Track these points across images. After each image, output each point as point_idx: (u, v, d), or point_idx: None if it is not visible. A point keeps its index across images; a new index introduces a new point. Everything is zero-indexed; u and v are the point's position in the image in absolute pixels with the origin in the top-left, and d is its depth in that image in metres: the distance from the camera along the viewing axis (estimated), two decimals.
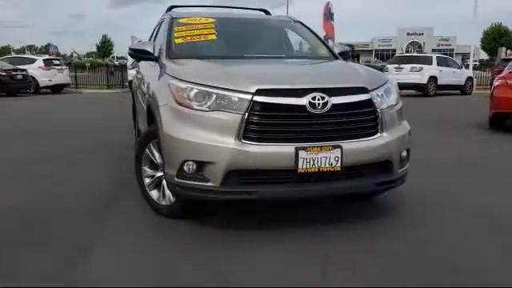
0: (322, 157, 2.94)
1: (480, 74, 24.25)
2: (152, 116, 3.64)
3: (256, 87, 2.93)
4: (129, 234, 3.27)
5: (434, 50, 48.27)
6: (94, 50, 77.18)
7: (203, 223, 3.40)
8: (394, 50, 58.88)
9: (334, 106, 2.98)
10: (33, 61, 19.65)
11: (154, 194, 3.64)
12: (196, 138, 2.97)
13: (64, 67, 20.68)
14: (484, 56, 62.20)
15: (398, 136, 3.25)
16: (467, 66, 22.80)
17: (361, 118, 3.09)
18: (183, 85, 3.13)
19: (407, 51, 52.04)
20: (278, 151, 2.92)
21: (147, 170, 3.67)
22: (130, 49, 4.09)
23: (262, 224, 3.37)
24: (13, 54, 32.46)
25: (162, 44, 4.09)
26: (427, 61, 18.18)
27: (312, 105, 2.94)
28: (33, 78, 18.25)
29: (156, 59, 4.02)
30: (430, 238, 3.15)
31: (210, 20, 4.37)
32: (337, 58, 4.32)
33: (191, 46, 4.11)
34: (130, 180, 4.55)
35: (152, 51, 4.00)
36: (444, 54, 28.32)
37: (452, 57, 28.76)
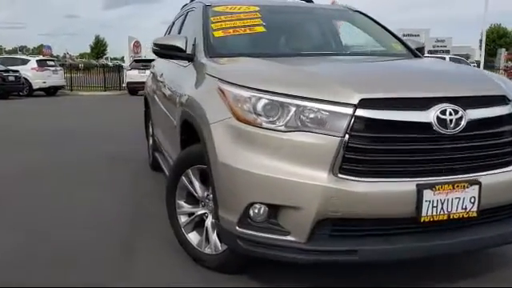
0: (455, 198, 2.02)
1: None
2: (190, 134, 2.72)
3: (359, 96, 2.00)
4: None
5: (430, 51, 47.65)
6: (88, 50, 75.92)
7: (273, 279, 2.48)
8: None
9: (470, 122, 2.06)
10: (25, 62, 18.67)
11: (193, 237, 2.72)
12: (269, 171, 2.04)
13: (59, 68, 19.70)
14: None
15: None
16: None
17: (501, 140, 2.17)
18: (245, 92, 2.19)
19: None
20: (391, 191, 1.99)
21: (183, 206, 2.75)
22: (156, 44, 3.15)
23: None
24: (4, 55, 31.29)
25: (197, 38, 3.16)
26: None
27: (441, 122, 2.02)
28: (26, 79, 17.27)
29: (189, 57, 3.09)
30: None
31: (254, 8, 3.44)
32: (417, 56, 3.41)
33: (236, 40, 3.19)
34: (147, 206, 3.64)
35: (184, 47, 3.08)
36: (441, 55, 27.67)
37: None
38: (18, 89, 17.09)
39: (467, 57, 40.03)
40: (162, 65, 4.29)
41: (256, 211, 2.10)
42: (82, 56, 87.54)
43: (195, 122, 2.54)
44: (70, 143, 6.88)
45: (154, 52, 3.24)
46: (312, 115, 2.04)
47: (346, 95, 2.02)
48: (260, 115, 2.12)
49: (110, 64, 35.37)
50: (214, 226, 2.59)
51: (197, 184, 2.65)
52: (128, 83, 19.50)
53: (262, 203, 2.08)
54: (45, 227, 3.29)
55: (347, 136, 1.96)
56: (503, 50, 49.58)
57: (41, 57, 22.76)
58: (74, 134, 7.84)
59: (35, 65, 18.25)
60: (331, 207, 1.97)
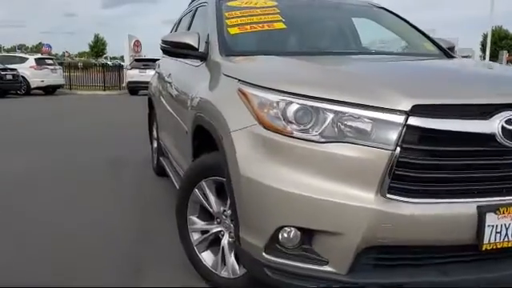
0: None
1: None
2: (204, 140, 2.42)
3: (411, 102, 1.70)
4: None
5: None
6: (87, 49, 75.50)
7: None
8: None
9: None
10: (24, 60, 18.33)
11: (207, 257, 2.43)
12: (302, 189, 1.74)
13: (57, 67, 19.38)
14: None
15: None
16: None
17: None
18: (273, 96, 1.89)
19: None
20: (448, 214, 1.69)
21: (196, 222, 2.45)
22: (165, 42, 2.85)
23: None
24: (3, 53, 30.90)
25: (210, 36, 2.86)
26: None
27: (507, 133, 1.72)
28: (24, 78, 16.95)
29: (202, 56, 2.79)
30: None
31: (271, 3, 3.14)
32: (450, 56, 3.11)
33: (253, 38, 2.90)
34: (153, 218, 3.34)
35: (196, 45, 2.78)
36: None
37: None
38: (16, 87, 16.78)
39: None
40: (169, 64, 3.98)
41: (286, 236, 1.80)
42: (81, 55, 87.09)
43: (212, 128, 2.24)
44: (67, 145, 6.58)
45: (163, 50, 2.94)
46: (353, 123, 1.74)
47: (395, 100, 1.71)
48: (291, 122, 1.82)
49: (110, 63, 34.92)
50: (230, 245, 2.30)
51: (212, 198, 2.35)
52: (128, 83, 19.20)
53: (293, 227, 1.78)
54: (40, 245, 2.98)
55: (398, 149, 1.66)
56: (505, 52, 49.47)
57: (39, 55, 22.35)
58: (73, 135, 7.55)
59: (34, 63, 17.92)
60: (378, 233, 1.66)
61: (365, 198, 1.67)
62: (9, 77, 16.12)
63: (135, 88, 18.93)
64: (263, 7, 3.08)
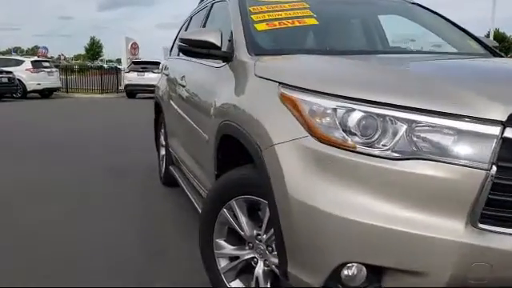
0: None
1: None
2: (231, 152, 2.10)
3: (506, 110, 1.37)
4: None
5: None
6: (83, 52, 75.03)
7: None
8: None
9: None
10: (20, 62, 17.90)
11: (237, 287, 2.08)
12: (371, 217, 1.41)
13: (54, 70, 18.96)
14: None
15: None
16: None
17: None
18: (327, 102, 1.57)
19: None
20: None
21: (224, 246, 2.12)
22: (184, 40, 2.52)
23: None
24: None
25: (234, 33, 2.53)
26: None
27: None
28: (19, 81, 16.53)
29: (227, 56, 2.47)
30: None
31: None
32: (497, 55, 2.81)
33: (284, 35, 2.56)
34: (166, 238, 3.00)
35: (219, 43, 2.45)
36: None
37: None
38: (12, 91, 16.36)
39: None
40: (181, 65, 3.65)
41: (350, 274, 1.47)
42: (76, 58, 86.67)
43: (246, 139, 1.91)
44: (65, 152, 6.23)
45: (181, 49, 2.61)
46: (433, 136, 1.41)
47: (485, 107, 1.39)
48: (353, 134, 1.49)
49: (105, 66, 34.42)
50: (266, 275, 1.98)
51: (243, 219, 2.02)
52: (126, 86, 18.83)
53: (359, 263, 1.45)
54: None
55: (494, 168, 1.34)
56: (503, 54, 49.41)
57: (36, 57, 21.92)
58: (70, 140, 7.20)
59: (30, 66, 17.50)
60: (470, 273, 1.34)
61: (451, 228, 1.35)
62: (4, 80, 15.71)
63: (133, 91, 18.58)
64: (291, 1, 2.77)
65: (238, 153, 2.07)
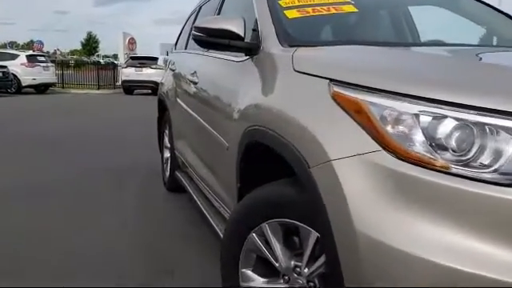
0: None
1: None
2: (259, 163, 1.74)
3: None
4: None
5: None
6: (79, 47, 74.28)
7: None
8: None
9: None
10: (15, 57, 17.45)
11: None
12: (475, 264, 1.04)
13: (50, 64, 18.54)
14: None
15: None
16: None
17: None
18: (406, 105, 1.19)
19: None
20: None
21: (252, 278, 1.76)
22: (201, 29, 2.13)
23: None
24: None
25: (260, 21, 2.15)
26: None
27: None
28: (14, 75, 16.09)
29: (250, 48, 2.09)
30: None
31: None
32: None
33: (320, 23, 2.19)
34: (173, 259, 2.63)
35: (242, 33, 2.06)
36: None
37: None
38: (6, 86, 15.92)
39: None
40: (191, 60, 3.27)
41: None
42: (72, 53, 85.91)
43: (287, 150, 1.53)
44: (60, 151, 5.84)
45: (197, 40, 2.21)
46: None
47: None
48: (444, 149, 1.12)
49: (102, 61, 33.89)
50: None
51: (278, 246, 1.65)
52: (123, 81, 18.44)
53: None
54: None
55: None
56: None
57: (31, 52, 21.42)
58: (66, 138, 6.80)
59: (25, 60, 17.07)
60: None
61: None
62: None
63: (131, 87, 18.19)
64: None
65: (268, 164, 1.71)
